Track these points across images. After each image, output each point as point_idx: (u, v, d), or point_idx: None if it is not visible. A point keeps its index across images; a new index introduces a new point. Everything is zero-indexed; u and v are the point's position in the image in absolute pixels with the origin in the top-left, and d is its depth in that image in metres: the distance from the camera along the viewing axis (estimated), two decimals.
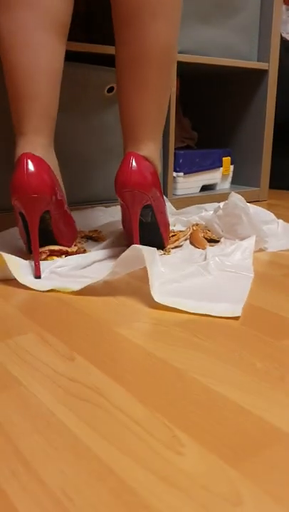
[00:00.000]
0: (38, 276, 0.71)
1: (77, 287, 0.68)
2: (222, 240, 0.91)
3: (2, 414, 0.39)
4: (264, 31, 1.35)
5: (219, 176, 1.41)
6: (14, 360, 0.48)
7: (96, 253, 0.81)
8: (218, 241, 0.91)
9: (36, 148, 0.74)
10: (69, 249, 0.81)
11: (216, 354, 0.50)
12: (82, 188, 1.13)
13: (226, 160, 1.40)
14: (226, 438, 0.36)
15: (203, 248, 0.87)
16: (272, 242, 0.92)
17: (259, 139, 1.42)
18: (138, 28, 0.74)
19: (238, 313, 0.59)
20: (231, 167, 1.44)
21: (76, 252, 0.82)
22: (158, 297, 0.63)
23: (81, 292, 0.67)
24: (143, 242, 0.79)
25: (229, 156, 1.41)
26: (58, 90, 0.77)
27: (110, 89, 1.10)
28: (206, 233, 0.92)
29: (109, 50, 1.03)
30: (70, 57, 1.06)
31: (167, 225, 0.87)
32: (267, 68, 1.36)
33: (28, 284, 0.69)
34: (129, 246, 0.86)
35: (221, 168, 1.40)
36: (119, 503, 0.30)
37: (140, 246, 0.66)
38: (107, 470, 0.33)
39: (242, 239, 0.90)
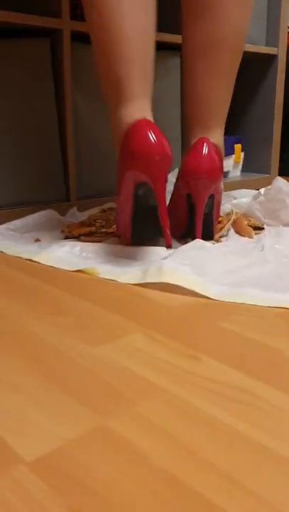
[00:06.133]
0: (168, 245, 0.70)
1: (102, 270, 0.68)
2: (265, 226, 0.89)
3: (161, 419, 0.36)
4: (272, 15, 1.33)
5: (231, 164, 1.39)
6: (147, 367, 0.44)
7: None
8: (262, 228, 0.89)
9: (148, 115, 0.67)
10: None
11: None
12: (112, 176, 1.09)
13: (238, 147, 1.38)
14: None
15: (250, 236, 0.84)
16: None
17: (269, 124, 1.41)
18: (217, 12, 0.72)
19: None
20: (242, 154, 1.42)
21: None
22: (216, 294, 0.60)
23: (164, 289, 0.62)
24: None
25: (240, 143, 1.39)
26: (154, 54, 0.70)
27: None
28: (250, 221, 0.90)
29: None
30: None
31: (219, 216, 0.84)
32: (276, 53, 1.34)
33: (54, 265, 0.71)
34: (178, 236, 0.82)
35: (233, 156, 1.38)
36: None
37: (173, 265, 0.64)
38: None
39: (285, 225, 0.88)
